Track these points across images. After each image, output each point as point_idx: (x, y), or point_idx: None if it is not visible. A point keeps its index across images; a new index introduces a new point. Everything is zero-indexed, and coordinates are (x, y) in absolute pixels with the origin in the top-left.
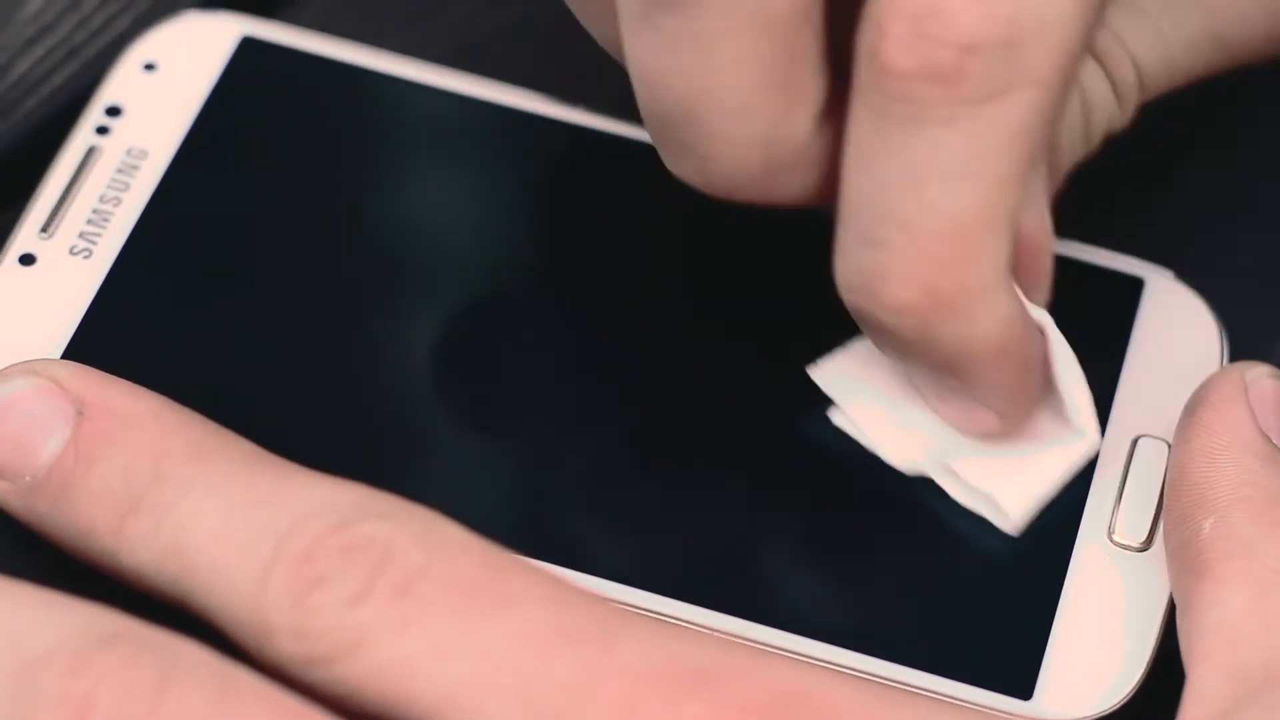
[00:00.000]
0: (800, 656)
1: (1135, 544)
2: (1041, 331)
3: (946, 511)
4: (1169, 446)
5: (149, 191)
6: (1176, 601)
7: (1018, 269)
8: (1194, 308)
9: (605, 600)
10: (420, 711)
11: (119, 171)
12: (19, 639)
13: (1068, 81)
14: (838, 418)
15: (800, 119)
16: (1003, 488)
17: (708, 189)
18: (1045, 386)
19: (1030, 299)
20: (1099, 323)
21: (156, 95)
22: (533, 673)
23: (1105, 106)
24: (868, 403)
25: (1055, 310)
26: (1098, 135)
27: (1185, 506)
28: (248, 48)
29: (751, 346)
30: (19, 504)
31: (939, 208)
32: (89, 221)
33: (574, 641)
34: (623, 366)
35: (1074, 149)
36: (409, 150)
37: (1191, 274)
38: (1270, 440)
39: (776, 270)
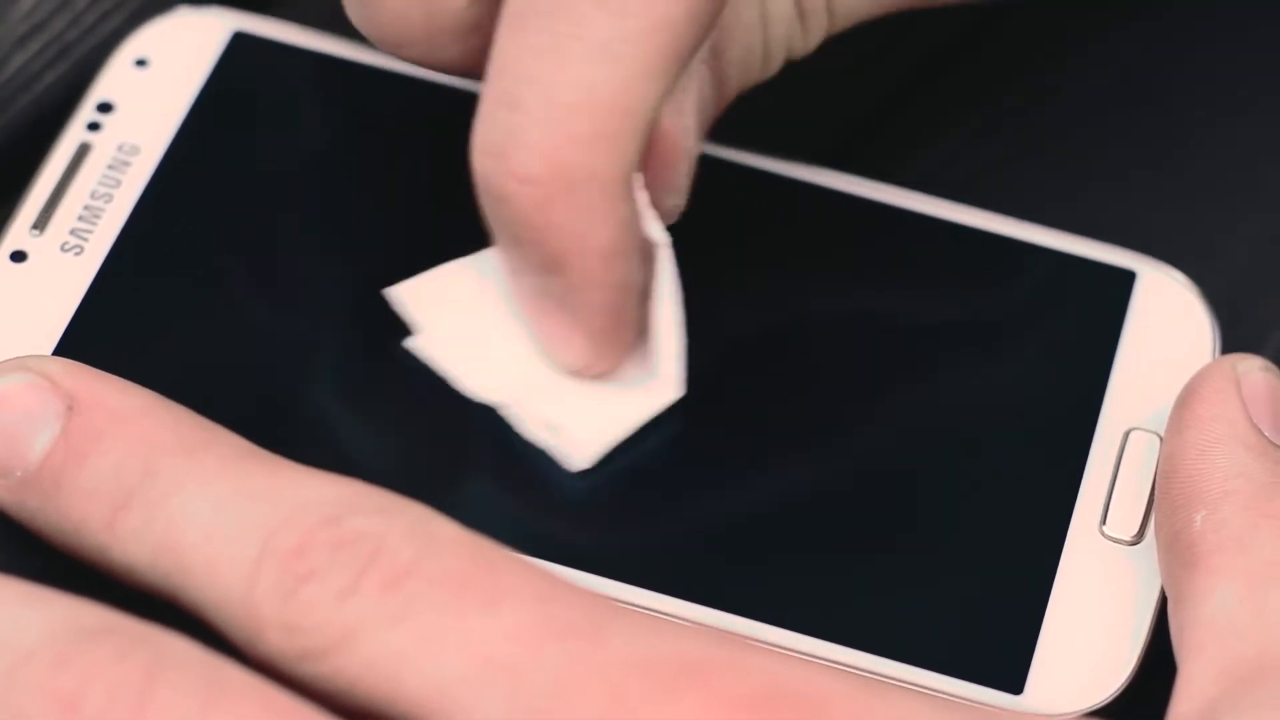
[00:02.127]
0: (790, 651)
1: (1127, 537)
2: (653, 254)
3: (935, 508)
4: (1160, 439)
5: (140, 188)
6: (1168, 594)
7: (653, 167)
8: (1186, 300)
9: (595, 594)
10: (410, 705)
11: (110, 168)
12: (5, 634)
13: None
14: (413, 343)
15: None
16: (574, 423)
17: (378, 42)
18: (641, 331)
19: (661, 201)
20: (1091, 315)
21: (148, 91)
22: (523, 667)
23: (786, 25)
24: (448, 328)
25: (1048, 303)
26: (778, 56)
27: (1177, 499)
28: (239, 43)
29: (746, 343)
30: (10, 499)
31: (579, 81)
32: (80, 218)
33: (564, 636)
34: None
35: (749, 66)
36: (401, 145)
37: (1184, 266)
38: (1262, 433)
39: (772, 270)
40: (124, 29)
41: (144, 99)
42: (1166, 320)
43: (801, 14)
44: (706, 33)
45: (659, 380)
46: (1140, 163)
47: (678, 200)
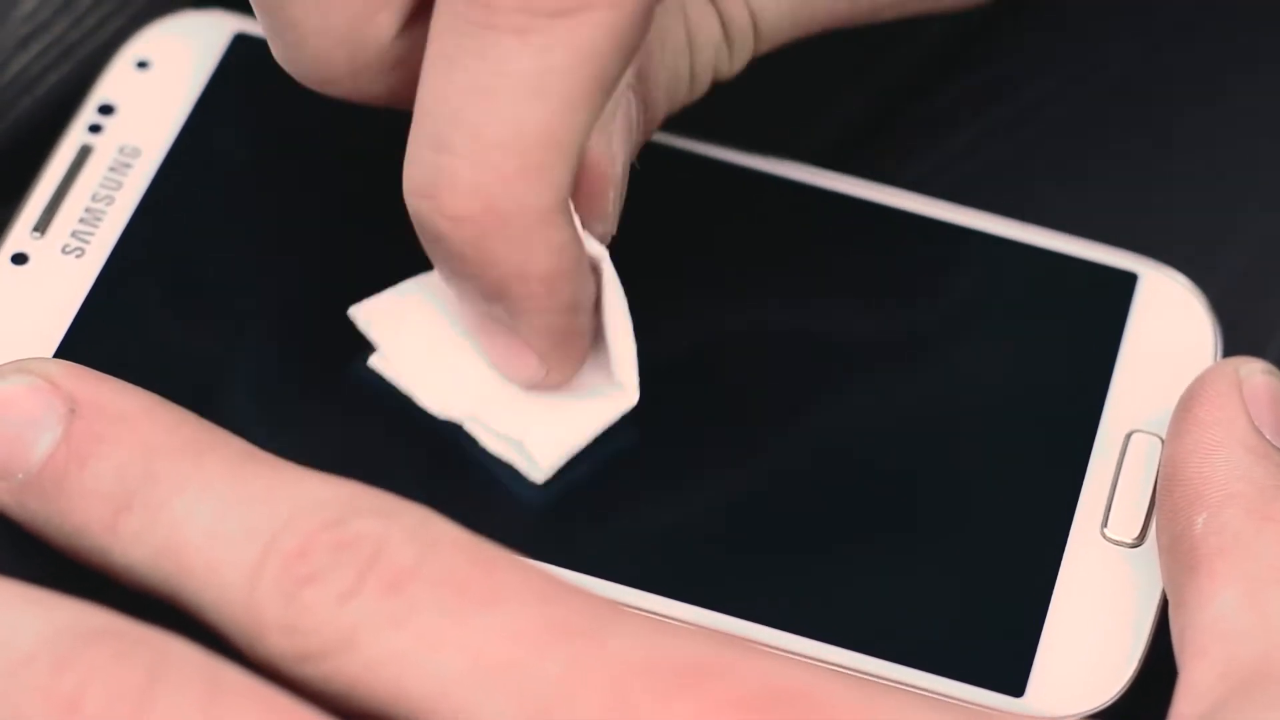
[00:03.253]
0: (791, 654)
1: (1128, 540)
2: (596, 270)
3: (935, 510)
4: (1162, 442)
5: (142, 190)
6: (1169, 597)
7: (580, 196)
8: (1188, 302)
9: (597, 596)
10: (412, 707)
11: (112, 170)
12: (6, 636)
13: (645, 9)
14: (376, 361)
15: (384, 20)
16: (533, 434)
17: (303, 81)
18: (596, 341)
19: (590, 229)
20: (1093, 317)
21: (149, 93)
22: (524, 669)
23: (713, 49)
24: (408, 346)
25: (1050, 306)
26: (704, 79)
27: (1178, 502)
28: (241, 45)
29: (747, 345)
30: (11, 502)
31: (505, 119)
32: (81, 220)
33: (566, 637)
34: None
35: (676, 89)
36: (402, 148)
37: (1186, 269)
38: (1264, 436)
39: (772, 272)
40: (126, 31)
41: (145, 101)
42: (1168, 322)
43: (728, 38)
44: (630, 60)
45: (617, 388)
46: (1141, 165)
47: (606, 227)
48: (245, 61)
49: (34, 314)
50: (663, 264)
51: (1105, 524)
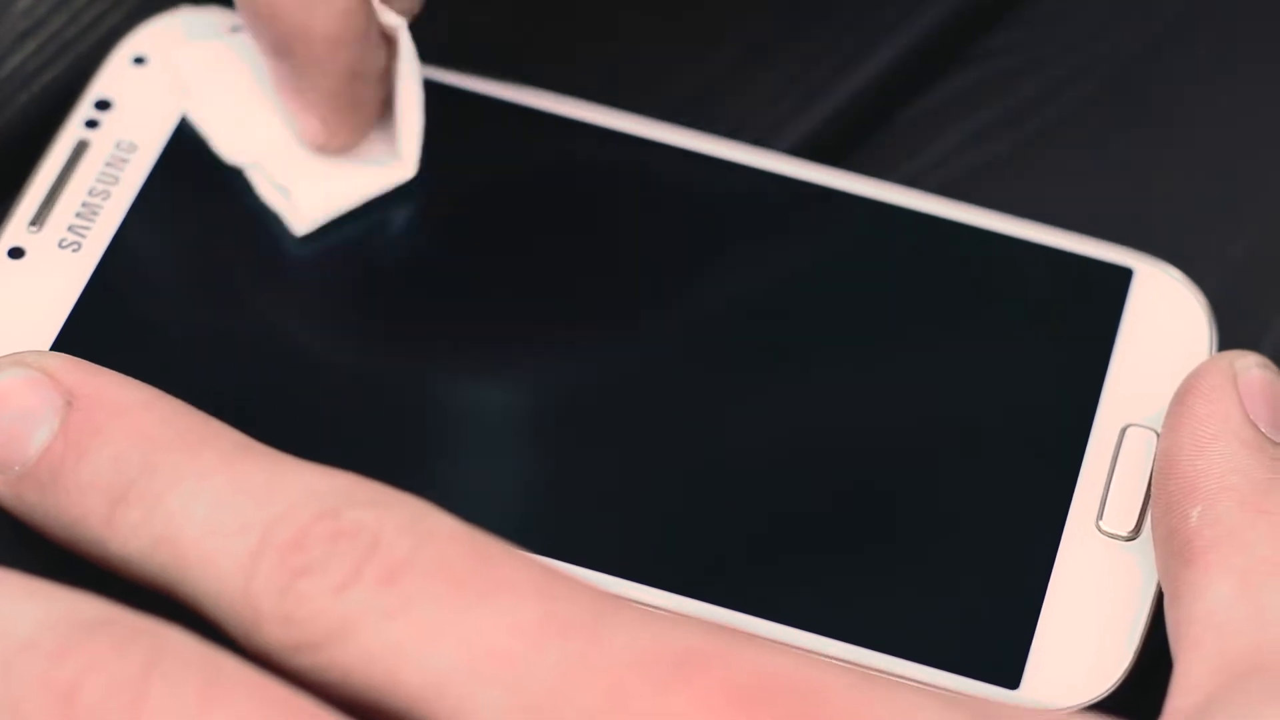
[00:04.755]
0: (787, 646)
1: (1123, 533)
2: (393, 41)
3: (931, 504)
4: (1157, 435)
5: (138, 185)
6: (1164, 590)
7: None
8: (1183, 297)
9: (594, 588)
10: (408, 698)
11: (108, 165)
12: (3, 626)
13: None
14: (185, 107)
15: None
16: (302, 187)
17: None
18: (386, 113)
19: (391, 3)
20: (1088, 312)
21: (146, 89)
22: (521, 661)
23: None
24: (216, 93)
25: (1045, 300)
26: None
27: (1173, 495)
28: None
29: (742, 340)
30: (8, 494)
31: None
32: (78, 215)
33: (562, 629)
34: (602, 357)
35: None
36: None
37: (1181, 263)
38: (1259, 429)
39: (768, 268)
40: (122, 27)
41: (142, 97)
42: (1163, 317)
43: None
44: None
45: (398, 160)
46: (1136, 160)
47: (407, 3)
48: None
49: (30, 308)
50: (653, 258)
51: (1100, 517)
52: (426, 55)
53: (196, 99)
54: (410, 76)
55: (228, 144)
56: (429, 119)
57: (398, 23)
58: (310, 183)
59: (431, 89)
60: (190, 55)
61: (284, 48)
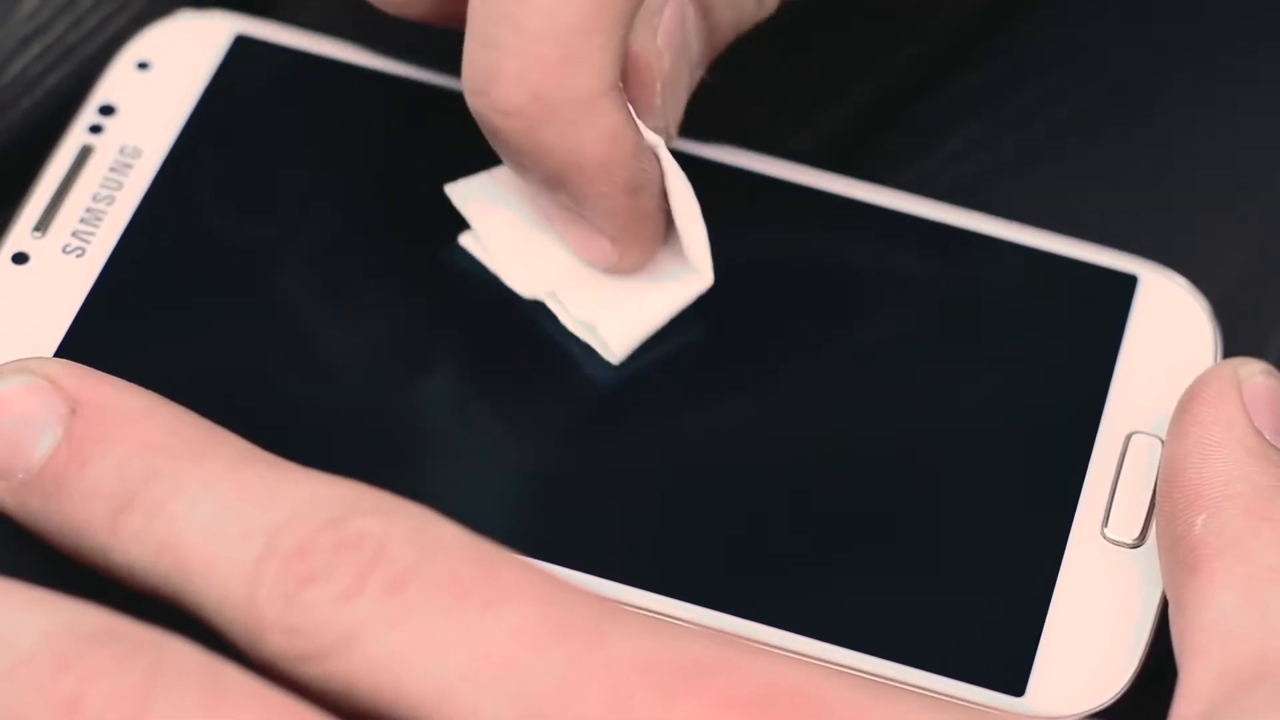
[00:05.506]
0: (792, 653)
1: (1128, 540)
2: (656, 157)
3: (937, 510)
4: (1162, 443)
5: (142, 190)
6: (1169, 598)
7: (629, 90)
8: (1187, 304)
9: (598, 596)
10: (412, 708)
11: (112, 170)
12: (6, 636)
13: None
14: (466, 240)
15: None
16: (607, 317)
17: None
18: (670, 228)
19: (642, 120)
20: (1092, 319)
21: (150, 94)
22: (524, 669)
23: None
24: (499, 227)
25: (1050, 308)
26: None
27: (1178, 502)
28: (241, 46)
29: (744, 348)
30: (12, 501)
31: (543, 12)
32: (82, 220)
33: (566, 638)
34: (605, 364)
35: (741, 6)
36: (403, 149)
37: (1185, 270)
38: (1263, 436)
39: (773, 275)
40: (126, 32)
41: (146, 101)
42: (1168, 324)
43: None
44: None
45: (691, 272)
46: (1141, 167)
47: (659, 122)
48: (245, 62)
49: (34, 314)
50: None
51: (1106, 525)
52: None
53: (481, 233)
54: (682, 188)
55: (521, 278)
56: None
57: (657, 141)
58: (613, 312)
59: None
60: (464, 189)
61: (558, 181)
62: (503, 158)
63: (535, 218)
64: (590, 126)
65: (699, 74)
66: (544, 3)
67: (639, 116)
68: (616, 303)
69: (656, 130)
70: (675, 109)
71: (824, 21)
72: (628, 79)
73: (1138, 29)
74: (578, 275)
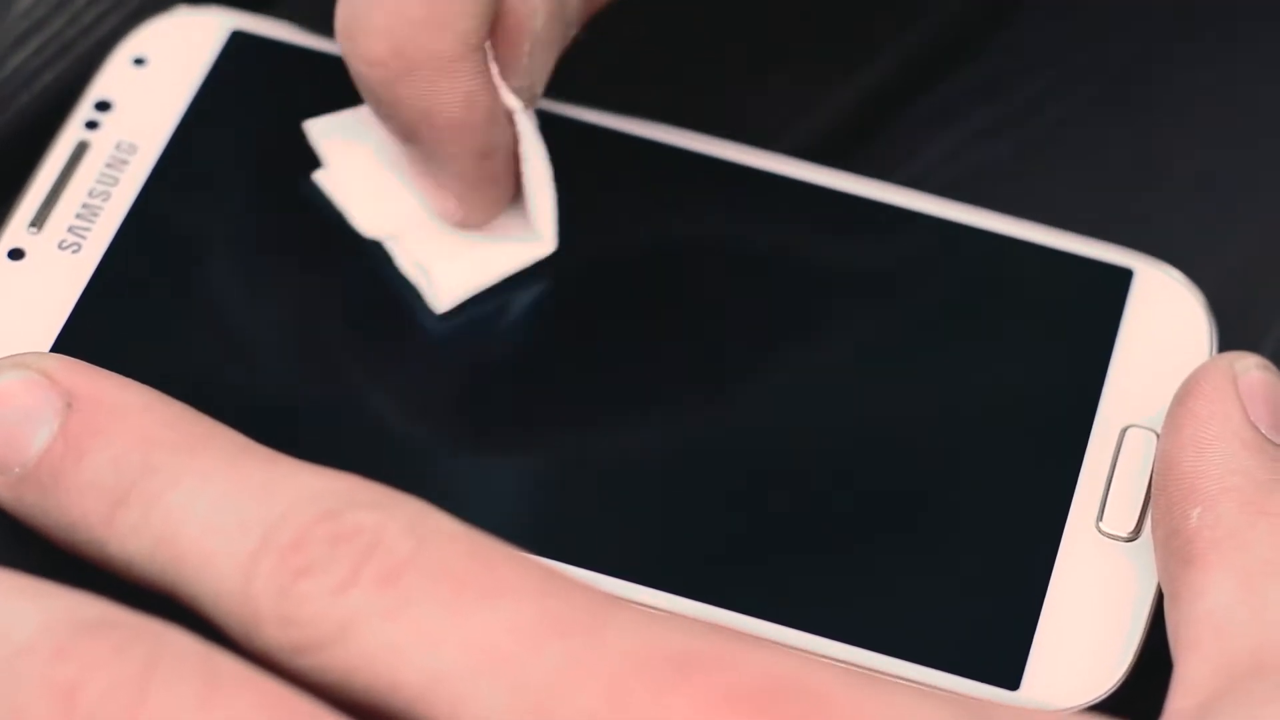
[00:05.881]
0: (787, 647)
1: (1123, 534)
2: (511, 121)
3: (932, 504)
4: (1157, 436)
5: (138, 186)
6: (1164, 591)
7: (497, 46)
8: (1183, 297)
9: (594, 589)
10: (407, 698)
11: (108, 166)
12: (4, 627)
13: None
14: (318, 176)
15: None
16: (441, 266)
17: None
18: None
19: (509, 81)
20: (1088, 313)
21: (146, 90)
22: (521, 662)
23: None
24: (351, 165)
25: (1045, 301)
26: None
27: (1173, 496)
28: (237, 42)
29: (741, 341)
30: (9, 495)
31: None
32: (78, 216)
33: (562, 631)
34: (602, 358)
35: None
36: None
37: (1181, 264)
38: (1259, 430)
39: (769, 269)
40: (122, 28)
41: (142, 98)
42: (1163, 318)
43: None
44: None
45: (536, 237)
46: (1137, 161)
47: (524, 81)
48: (241, 58)
49: (30, 309)
50: (653, 260)
51: (1101, 518)
52: None
53: (331, 170)
54: (537, 155)
55: (365, 218)
56: None
57: (516, 105)
58: (450, 261)
59: None
60: (323, 125)
61: (412, 134)
62: (366, 99)
63: (390, 160)
64: (447, 89)
65: (573, 32)
66: None
67: (504, 74)
68: (454, 253)
69: (521, 89)
70: (543, 68)
71: (822, 15)
72: (496, 35)
73: (1134, 25)
74: (422, 222)
